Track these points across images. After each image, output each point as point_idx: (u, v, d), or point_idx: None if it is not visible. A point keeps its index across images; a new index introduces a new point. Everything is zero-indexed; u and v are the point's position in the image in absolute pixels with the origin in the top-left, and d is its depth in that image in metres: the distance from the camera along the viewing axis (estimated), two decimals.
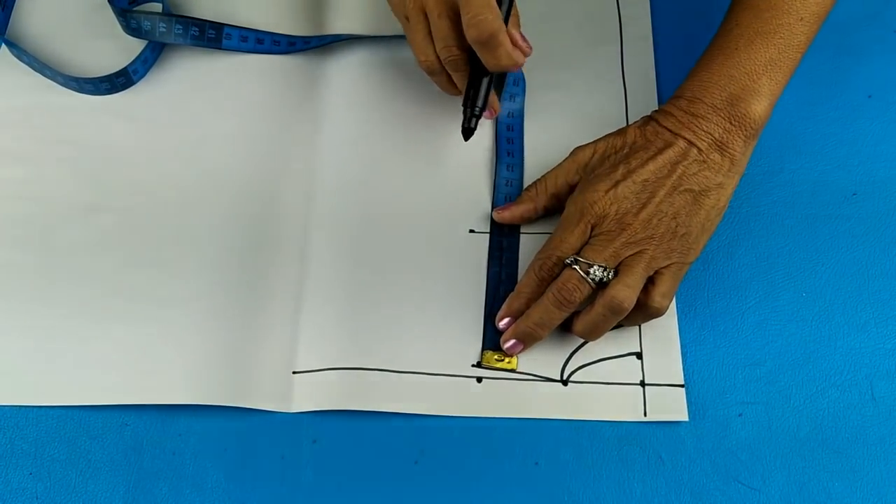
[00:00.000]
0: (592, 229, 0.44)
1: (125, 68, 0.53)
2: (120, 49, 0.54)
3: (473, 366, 0.45)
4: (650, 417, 0.44)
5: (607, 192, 0.44)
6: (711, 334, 0.46)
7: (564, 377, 0.45)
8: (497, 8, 0.43)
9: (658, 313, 0.44)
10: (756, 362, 0.45)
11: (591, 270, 0.43)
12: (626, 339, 0.46)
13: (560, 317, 0.44)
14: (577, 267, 0.43)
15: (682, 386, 0.45)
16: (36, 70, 0.54)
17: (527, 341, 0.45)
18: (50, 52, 0.55)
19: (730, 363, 0.45)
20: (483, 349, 0.46)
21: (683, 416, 0.44)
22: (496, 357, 0.45)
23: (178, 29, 0.53)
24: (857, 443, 0.43)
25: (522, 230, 0.49)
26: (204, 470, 0.43)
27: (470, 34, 0.43)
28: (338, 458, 0.43)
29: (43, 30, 0.56)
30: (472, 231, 0.49)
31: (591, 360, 0.45)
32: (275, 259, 0.48)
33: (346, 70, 0.54)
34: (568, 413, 0.44)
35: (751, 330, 0.46)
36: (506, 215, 0.48)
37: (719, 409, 0.44)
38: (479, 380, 0.45)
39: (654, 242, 0.43)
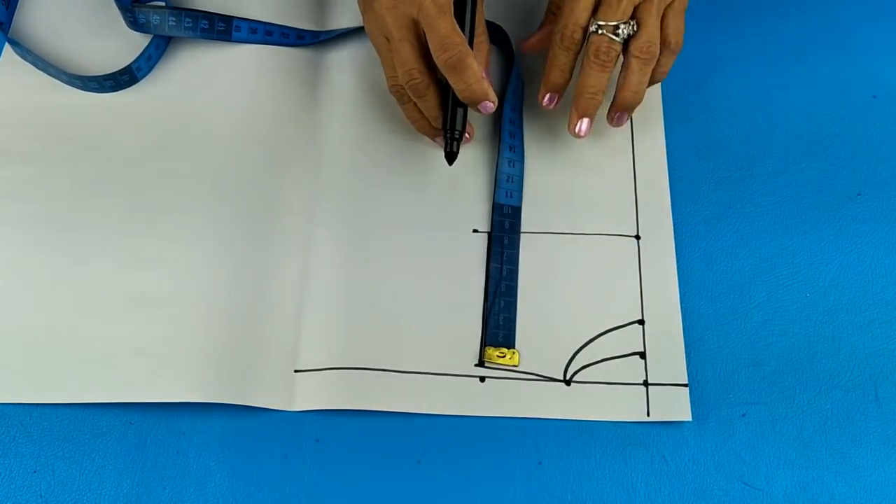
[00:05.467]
0: None
1: (129, 66, 0.53)
2: (123, 48, 0.54)
3: (476, 365, 0.45)
4: (653, 417, 0.44)
5: None
6: (715, 334, 0.46)
7: (568, 377, 0.45)
8: (463, 35, 0.45)
9: (678, 48, 0.48)
10: (760, 362, 0.45)
11: (619, 31, 0.46)
12: (629, 339, 0.46)
13: (606, 79, 0.47)
14: (603, 31, 0.46)
15: (685, 386, 0.45)
16: (40, 68, 0.54)
17: (590, 111, 0.48)
18: (53, 50, 0.55)
19: (733, 363, 0.45)
20: (484, 346, 0.46)
21: (687, 416, 0.44)
22: (497, 353, 0.45)
23: (188, 22, 0.53)
24: (861, 443, 0.43)
25: (523, 230, 0.49)
26: (207, 468, 0.43)
27: (439, 58, 0.44)
28: (340, 457, 0.43)
29: (46, 29, 0.56)
30: (475, 231, 0.49)
31: (594, 360, 0.45)
32: (278, 257, 0.48)
33: (349, 65, 0.54)
34: (571, 413, 0.44)
35: (754, 330, 0.46)
36: (532, 41, 0.52)
37: (723, 409, 0.44)
38: (483, 379, 0.45)
39: None
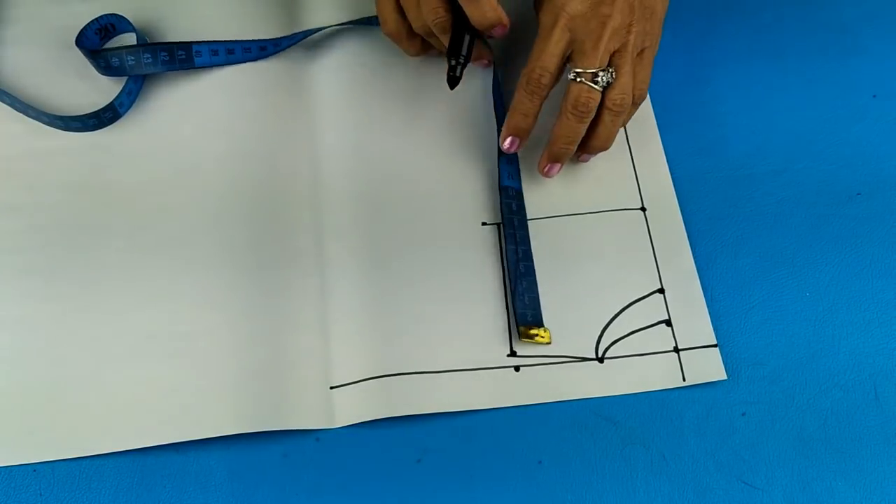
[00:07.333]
0: (571, 33, 0.44)
1: (111, 102, 0.51)
2: (99, 87, 0.53)
3: (509, 355, 0.45)
4: (689, 381, 0.44)
5: None
6: (715, 334, 0.46)
7: (600, 354, 0.45)
8: None
9: (642, 100, 0.48)
10: (760, 362, 0.45)
11: (598, 78, 0.45)
12: (652, 309, 0.46)
13: (582, 130, 0.46)
14: (582, 80, 0.45)
15: (715, 346, 0.45)
16: (19, 110, 0.52)
17: (562, 160, 0.48)
18: (32, 93, 0.53)
19: (733, 362, 0.45)
20: (516, 327, 0.46)
21: (722, 376, 0.44)
22: (532, 332, 0.45)
23: (147, 58, 0.51)
24: (861, 442, 0.43)
25: (529, 217, 0.49)
26: (207, 467, 0.43)
27: None
28: (340, 456, 0.43)
29: (21, 73, 0.54)
30: (484, 224, 0.49)
31: (623, 334, 0.46)
32: (293, 277, 0.47)
33: (332, 71, 0.54)
34: (609, 389, 0.44)
35: (754, 329, 0.46)
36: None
37: (723, 408, 0.44)
38: (517, 368, 0.45)
39: (634, 29, 0.44)
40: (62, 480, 0.43)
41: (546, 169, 0.48)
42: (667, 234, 0.48)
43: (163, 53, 0.52)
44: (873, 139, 0.52)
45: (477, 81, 0.54)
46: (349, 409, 0.44)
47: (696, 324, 0.46)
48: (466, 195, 0.50)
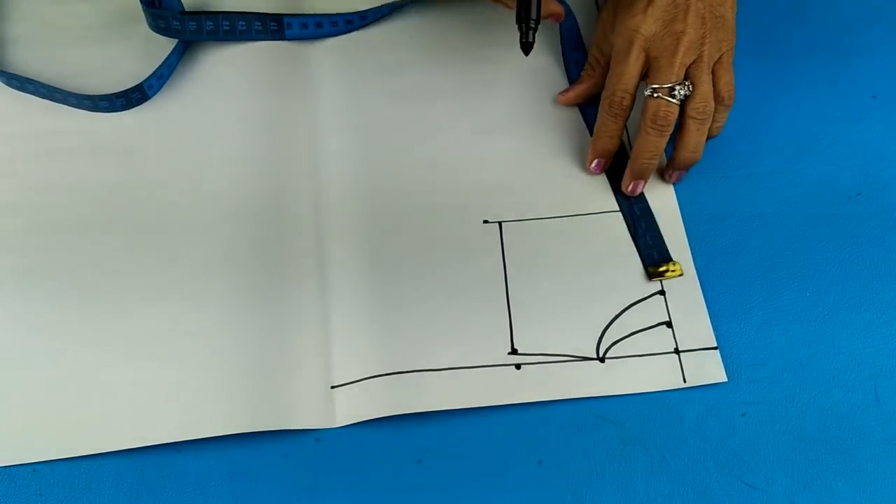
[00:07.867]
0: (646, 52, 0.46)
1: (140, 84, 0.52)
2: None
3: (509, 353, 0.45)
4: (690, 383, 0.44)
5: (645, 10, 0.45)
6: (715, 334, 0.46)
7: (601, 354, 0.45)
8: None
9: (732, 102, 0.48)
10: (760, 362, 0.45)
11: (675, 93, 0.46)
12: (653, 310, 0.46)
13: (663, 144, 0.48)
14: (658, 94, 0.46)
15: (715, 348, 0.45)
16: (43, 96, 0.52)
17: (646, 175, 0.49)
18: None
19: (733, 363, 0.45)
20: (646, 268, 0.47)
21: (722, 378, 0.44)
22: (661, 269, 0.47)
23: (242, 25, 0.53)
24: (861, 443, 0.43)
25: (533, 217, 0.49)
26: (207, 468, 0.43)
27: None
28: (340, 456, 0.43)
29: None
30: (485, 221, 0.49)
31: (624, 335, 0.46)
32: (294, 276, 0.47)
33: (335, 72, 0.54)
34: (609, 389, 0.44)
35: (754, 329, 0.46)
36: (570, 95, 0.51)
37: (723, 408, 0.44)
38: (518, 367, 0.45)
39: (708, 40, 0.46)
40: (62, 480, 0.43)
41: (630, 187, 0.49)
42: (667, 235, 0.48)
43: (257, 23, 0.54)
44: (873, 140, 0.52)
45: (479, 74, 0.54)
46: (350, 409, 0.44)
47: (696, 326, 0.46)
48: (467, 193, 0.50)
